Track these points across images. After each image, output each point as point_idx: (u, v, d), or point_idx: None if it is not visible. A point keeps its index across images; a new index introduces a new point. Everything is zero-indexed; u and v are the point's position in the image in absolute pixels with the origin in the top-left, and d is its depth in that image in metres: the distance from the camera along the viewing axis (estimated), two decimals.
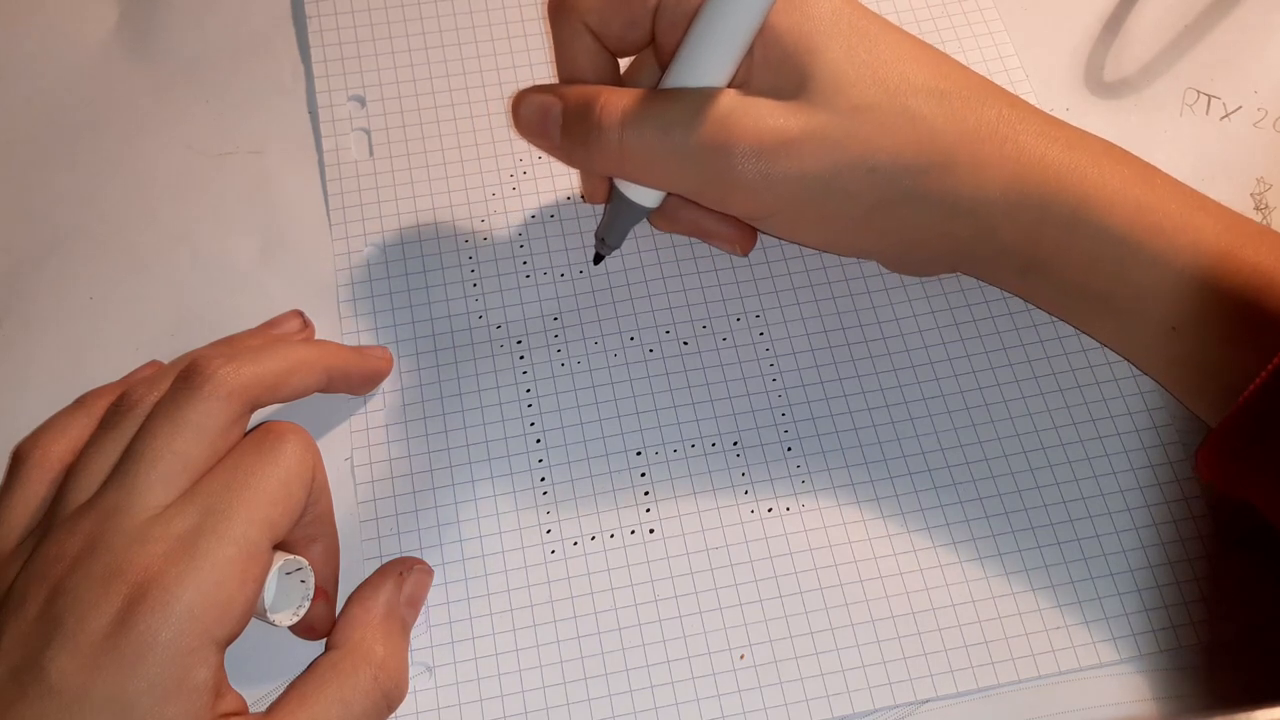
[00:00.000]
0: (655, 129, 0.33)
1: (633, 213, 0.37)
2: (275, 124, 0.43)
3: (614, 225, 0.38)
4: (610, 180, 0.38)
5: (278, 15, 0.45)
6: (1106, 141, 0.35)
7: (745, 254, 0.40)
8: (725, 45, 0.33)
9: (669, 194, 0.37)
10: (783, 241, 0.41)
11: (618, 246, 0.39)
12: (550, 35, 0.38)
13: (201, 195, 0.42)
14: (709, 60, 0.33)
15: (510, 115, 0.36)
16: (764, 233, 0.40)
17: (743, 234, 0.39)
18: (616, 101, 0.34)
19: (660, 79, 0.35)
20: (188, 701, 0.27)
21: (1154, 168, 0.35)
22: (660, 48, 0.36)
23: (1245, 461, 0.33)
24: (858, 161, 0.33)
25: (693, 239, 0.41)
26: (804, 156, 0.33)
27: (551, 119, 0.35)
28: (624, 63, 0.38)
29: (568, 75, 0.37)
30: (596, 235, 0.39)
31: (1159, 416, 0.38)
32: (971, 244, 0.35)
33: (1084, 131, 0.36)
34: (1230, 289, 0.33)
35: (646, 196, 0.37)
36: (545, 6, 0.45)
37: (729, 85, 0.34)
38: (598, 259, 0.40)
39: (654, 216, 0.40)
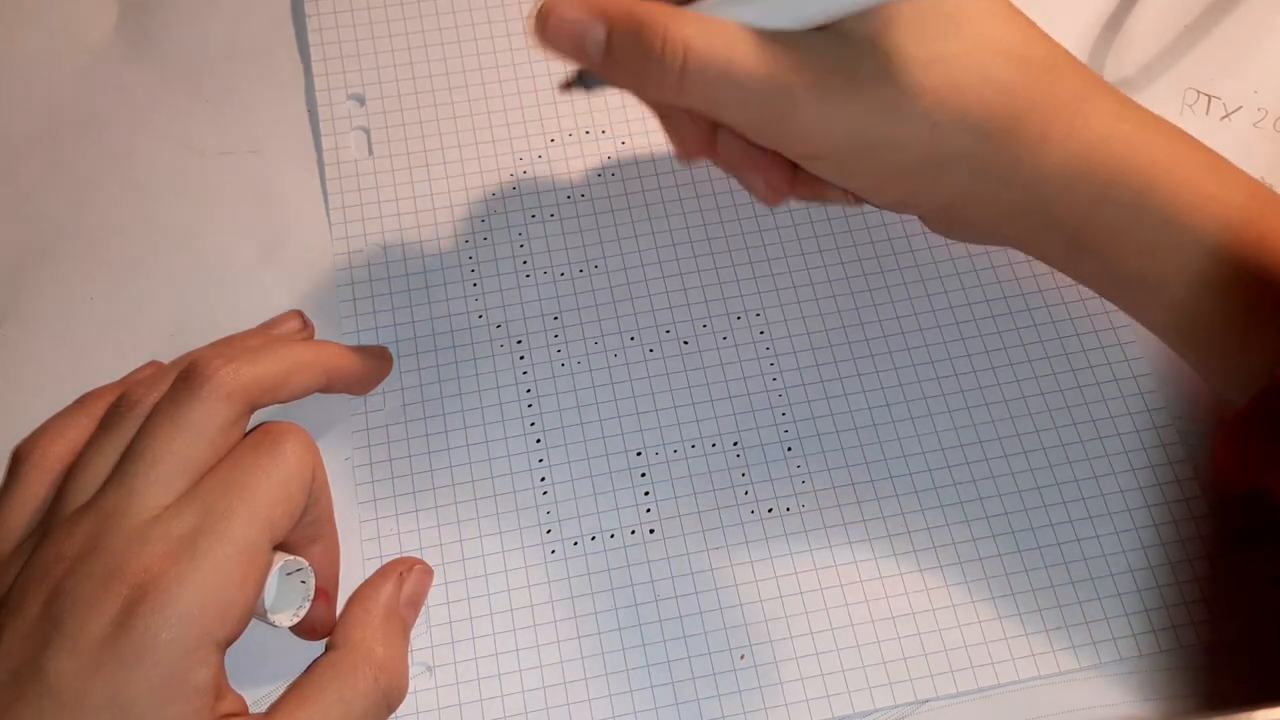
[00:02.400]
0: (720, 64, 0.31)
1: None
2: (275, 123, 0.43)
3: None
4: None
5: (277, 15, 0.45)
6: (1178, 128, 0.34)
7: (772, 206, 0.39)
8: None
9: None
10: (783, 240, 0.41)
11: (597, 86, 0.35)
12: None
13: (201, 195, 0.42)
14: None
15: (531, 26, 0.32)
16: (809, 171, 0.36)
17: (781, 184, 0.37)
18: (679, 31, 0.31)
19: (720, 6, 0.33)
20: (188, 702, 0.27)
21: (1221, 156, 0.34)
22: None
23: (1266, 450, 0.32)
24: (922, 115, 0.32)
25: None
26: (868, 102, 0.32)
27: (591, 39, 0.32)
28: None
29: None
30: (577, 70, 0.35)
31: (1159, 417, 0.38)
32: (1021, 214, 0.34)
33: (1158, 116, 0.35)
34: None
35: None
36: None
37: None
38: (566, 86, 0.35)
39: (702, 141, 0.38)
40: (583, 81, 0.35)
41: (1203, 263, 0.33)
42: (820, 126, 0.32)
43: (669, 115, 0.37)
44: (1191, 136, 0.35)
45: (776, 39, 0.32)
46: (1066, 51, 0.35)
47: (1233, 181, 0.34)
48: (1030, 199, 0.34)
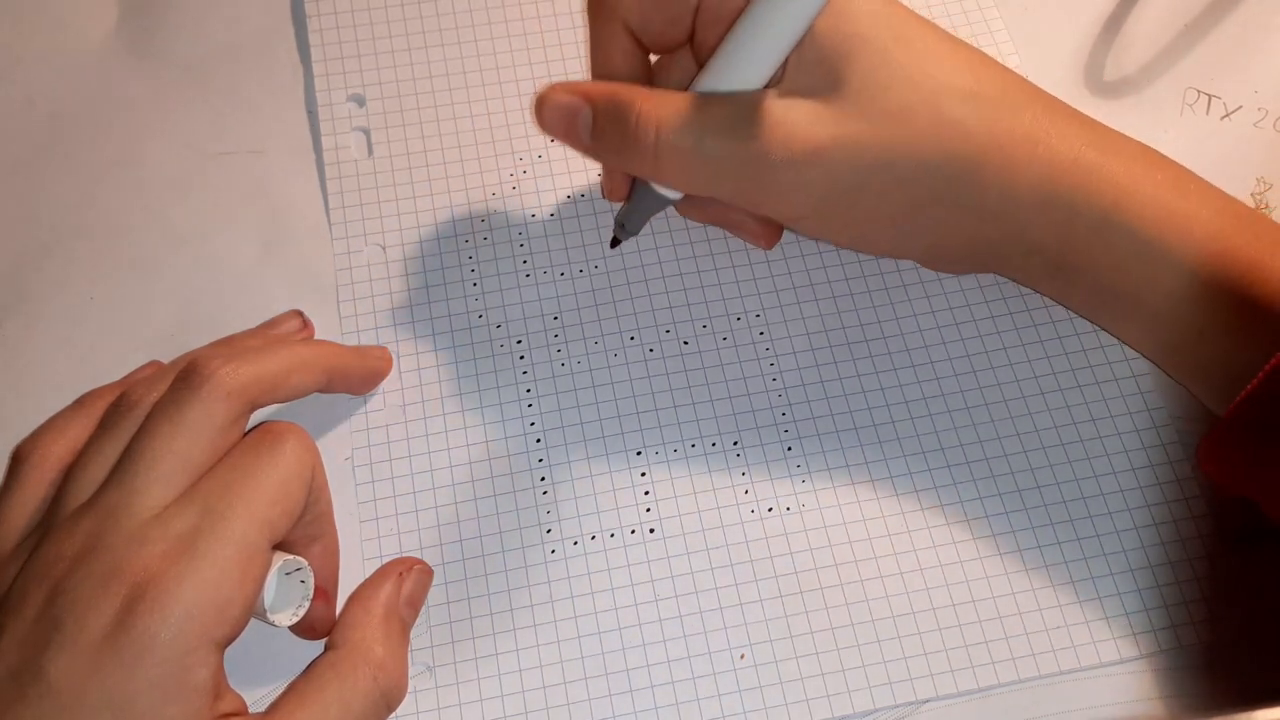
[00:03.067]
0: (691, 139, 0.33)
1: (657, 203, 0.37)
2: (275, 123, 0.43)
3: (636, 212, 0.38)
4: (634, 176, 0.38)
5: (278, 15, 0.45)
6: (1143, 145, 0.35)
7: (769, 248, 0.40)
8: (767, 50, 0.33)
9: None
10: (783, 240, 0.41)
11: (636, 233, 0.39)
12: (587, 32, 0.38)
13: (201, 195, 0.42)
14: (749, 64, 0.33)
15: (533, 113, 0.36)
16: (792, 231, 0.40)
17: (769, 229, 0.40)
18: (652, 111, 0.33)
19: (695, 77, 0.35)
20: (187, 702, 0.27)
21: (1189, 173, 0.35)
22: (699, 45, 0.36)
23: (1246, 457, 0.33)
24: (886, 167, 0.33)
25: (714, 234, 0.41)
26: (835, 163, 0.33)
27: (581, 121, 0.35)
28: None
29: (601, 73, 0.37)
30: (616, 220, 0.39)
31: (1159, 416, 0.38)
32: (1001, 245, 0.35)
33: (1120, 134, 0.35)
34: (1259, 297, 0.32)
35: (673, 190, 0.37)
36: (583, 3, 0.45)
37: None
38: (615, 243, 0.40)
39: (682, 206, 0.40)
40: (625, 231, 0.39)
41: (1174, 277, 0.33)
42: (795, 190, 0.34)
43: (733, 222, 0.40)
44: (1160, 154, 0.35)
45: (744, 110, 0.33)
46: (1022, 80, 0.36)
47: (1198, 198, 0.34)
48: (1007, 229, 0.35)
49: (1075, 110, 0.36)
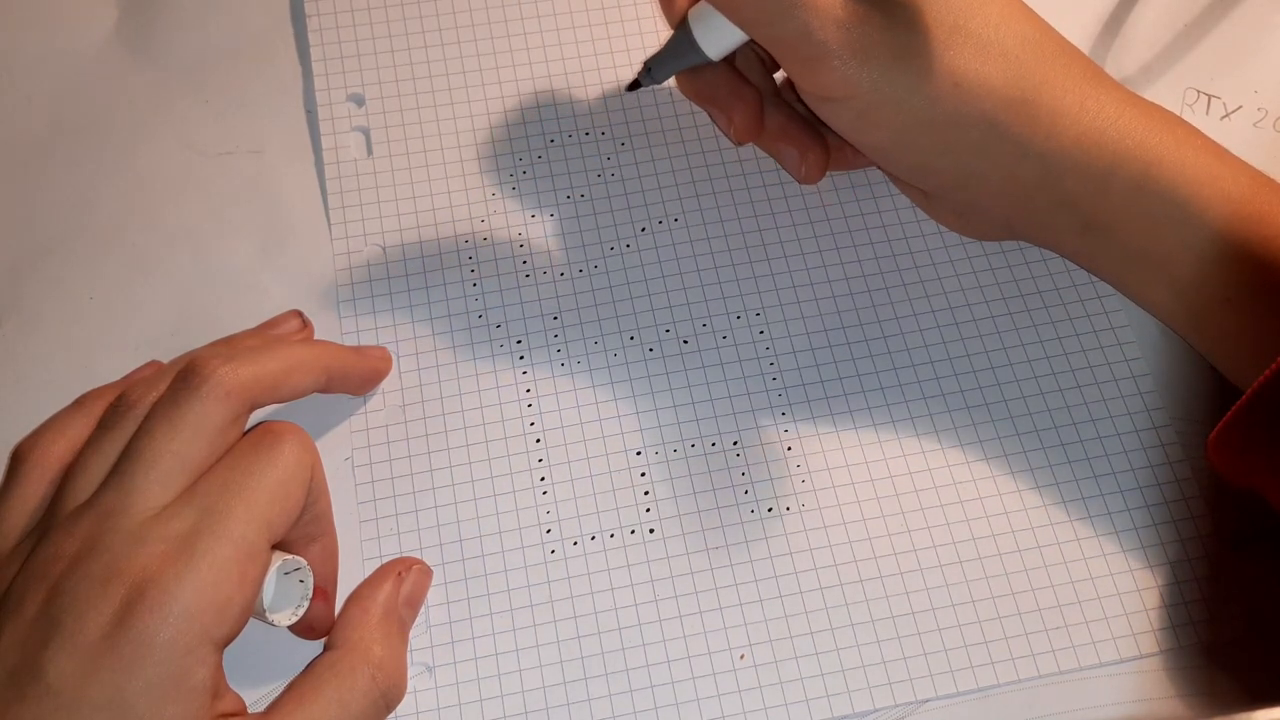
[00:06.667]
0: None
1: (690, 56, 0.37)
2: (275, 124, 0.43)
3: (667, 61, 0.38)
4: (684, 18, 0.37)
5: (277, 15, 0.45)
6: (1180, 117, 0.36)
7: (740, 143, 0.41)
8: None
9: (724, 58, 0.37)
10: (783, 240, 0.41)
11: (659, 83, 0.39)
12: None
13: (201, 195, 0.42)
14: None
15: None
16: (832, 130, 0.38)
17: (750, 122, 0.39)
18: None
19: None
20: (186, 702, 0.27)
21: (1224, 147, 0.36)
22: None
23: (1256, 451, 0.32)
24: (947, 73, 0.34)
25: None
26: (893, 51, 0.34)
27: None
28: None
29: None
30: (644, 63, 0.39)
31: (1159, 417, 0.38)
32: (1034, 192, 0.36)
33: (1161, 105, 0.36)
34: None
35: (714, 47, 0.37)
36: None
37: None
38: (634, 86, 0.40)
39: (684, 76, 0.40)
40: (650, 76, 0.39)
41: (1206, 239, 0.34)
42: (844, 59, 0.34)
43: (719, 100, 0.39)
44: (1193, 126, 0.36)
45: None
46: (1072, 43, 0.37)
47: (1234, 164, 0.35)
48: (1044, 174, 0.35)
49: (1114, 79, 0.37)
